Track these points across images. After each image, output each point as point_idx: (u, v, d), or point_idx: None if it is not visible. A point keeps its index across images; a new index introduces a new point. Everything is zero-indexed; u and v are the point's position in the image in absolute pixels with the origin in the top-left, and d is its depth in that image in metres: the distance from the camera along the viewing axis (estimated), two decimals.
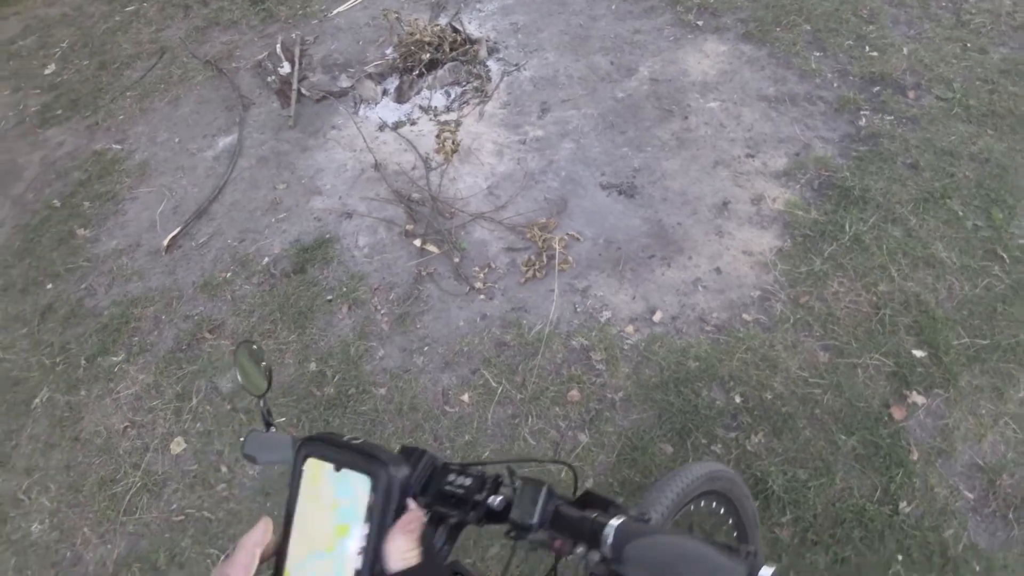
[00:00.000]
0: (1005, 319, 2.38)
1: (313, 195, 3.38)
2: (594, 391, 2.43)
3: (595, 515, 0.73)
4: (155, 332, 2.95)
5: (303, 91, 3.96)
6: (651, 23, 4.06)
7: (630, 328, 2.61)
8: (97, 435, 2.68)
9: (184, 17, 4.86)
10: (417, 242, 3.06)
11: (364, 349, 2.72)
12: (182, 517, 2.41)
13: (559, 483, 2.14)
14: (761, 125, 3.29)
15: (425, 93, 3.83)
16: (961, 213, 2.72)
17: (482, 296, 2.82)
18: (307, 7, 4.68)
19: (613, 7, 4.26)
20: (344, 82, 4.02)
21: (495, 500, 0.79)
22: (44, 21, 5.27)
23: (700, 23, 3.96)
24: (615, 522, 0.71)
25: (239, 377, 1.17)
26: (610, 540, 0.70)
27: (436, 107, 3.76)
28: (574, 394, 2.44)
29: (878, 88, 3.32)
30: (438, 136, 3.44)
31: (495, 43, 4.14)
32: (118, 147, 3.92)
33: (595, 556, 0.71)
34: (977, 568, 1.83)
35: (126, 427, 2.68)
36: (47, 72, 4.72)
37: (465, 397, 2.50)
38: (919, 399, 2.21)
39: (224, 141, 3.79)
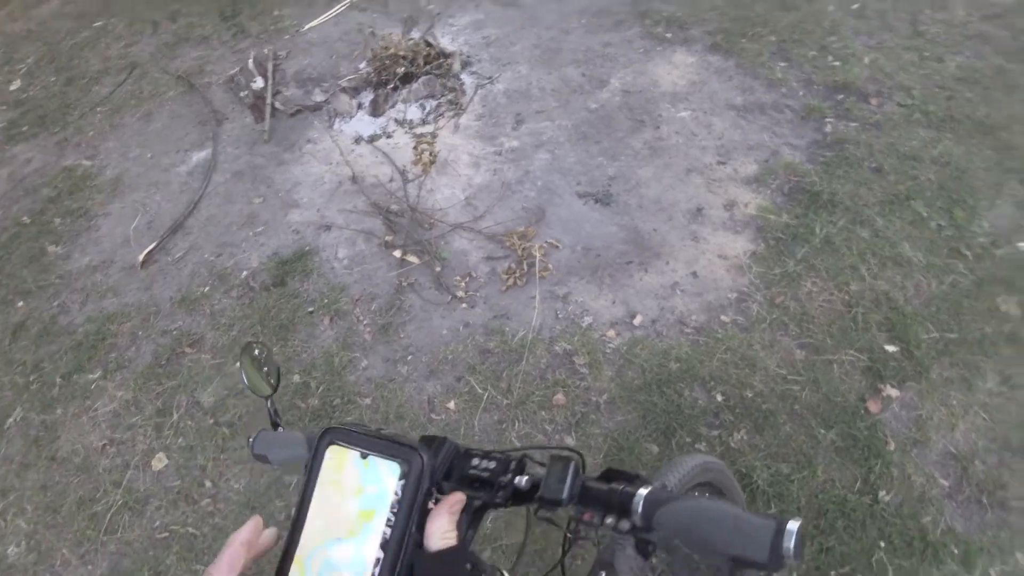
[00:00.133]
0: (971, 314, 2.47)
1: (291, 208, 3.38)
2: (579, 394, 2.47)
3: (622, 487, 0.76)
4: (132, 348, 2.92)
5: (277, 105, 3.97)
6: (621, 36, 4.15)
7: (611, 332, 2.65)
8: (75, 454, 2.63)
9: (153, 33, 4.84)
10: (397, 253, 3.08)
11: (348, 360, 2.72)
12: (166, 534, 2.37)
13: None
14: (731, 133, 3.38)
15: (400, 106, 3.86)
16: (925, 214, 2.82)
17: (464, 305, 2.84)
18: (279, 23, 4.69)
19: (583, 21, 4.35)
20: (318, 96, 4.04)
21: (522, 480, 0.81)
22: (8, 37, 5.21)
23: (668, 35, 4.07)
24: (643, 492, 0.74)
25: (244, 378, 1.17)
26: (640, 509, 0.73)
27: (411, 120, 3.79)
28: (559, 398, 2.47)
29: (842, 96, 3.44)
30: (415, 148, 3.47)
31: (468, 57, 4.19)
32: (89, 163, 3.87)
33: (625, 525, 0.74)
34: (955, 551, 1.90)
35: (105, 445, 2.64)
36: (12, 88, 4.66)
37: (451, 404, 2.52)
38: (893, 392, 2.29)
39: (198, 156, 3.77)
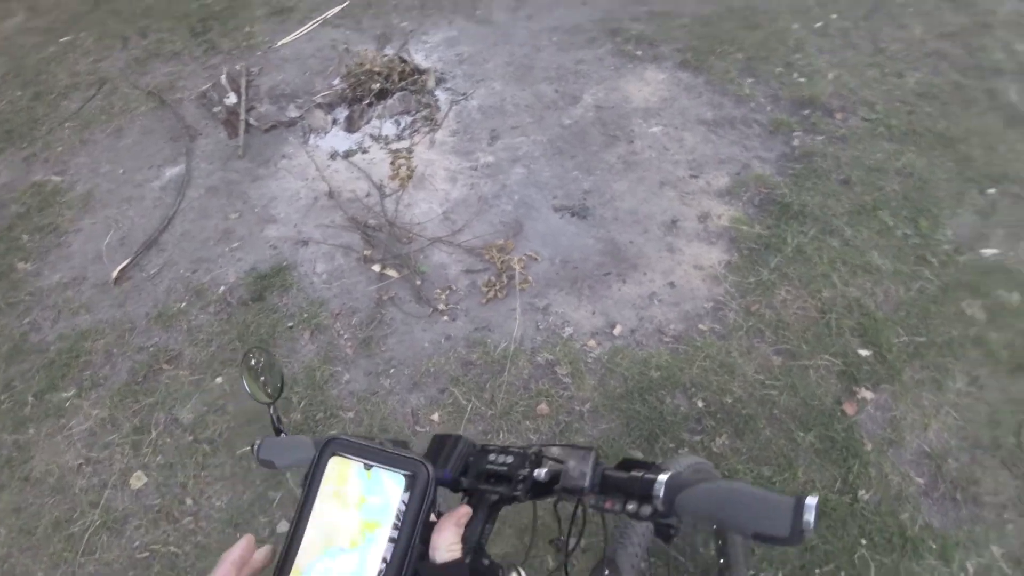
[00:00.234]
0: (938, 318, 2.56)
1: (267, 223, 3.37)
2: (562, 403, 2.49)
3: (643, 473, 0.79)
4: (107, 365, 2.87)
5: (251, 121, 3.95)
6: (592, 53, 4.23)
7: (592, 342, 2.69)
8: (49, 474, 2.57)
9: (123, 48, 4.80)
10: (376, 267, 3.08)
11: (329, 374, 2.71)
12: (146, 554, 2.33)
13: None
14: (702, 147, 3.46)
15: (375, 122, 3.88)
16: (891, 223, 2.92)
17: (445, 317, 2.85)
18: (250, 39, 4.68)
19: (555, 39, 4.42)
20: (292, 112, 4.03)
21: (541, 473, 0.83)
22: None
23: (639, 53, 4.16)
24: (663, 477, 0.77)
25: (245, 385, 1.17)
26: (661, 493, 0.76)
27: (387, 136, 3.81)
28: (543, 407, 2.49)
29: (808, 111, 3.55)
30: (393, 163, 3.49)
31: (442, 73, 4.23)
32: (58, 179, 3.81)
33: (647, 510, 0.76)
34: (933, 546, 1.96)
35: (81, 464, 2.58)
36: None
37: (435, 416, 2.52)
38: (868, 394, 2.35)
39: (171, 172, 3.74)
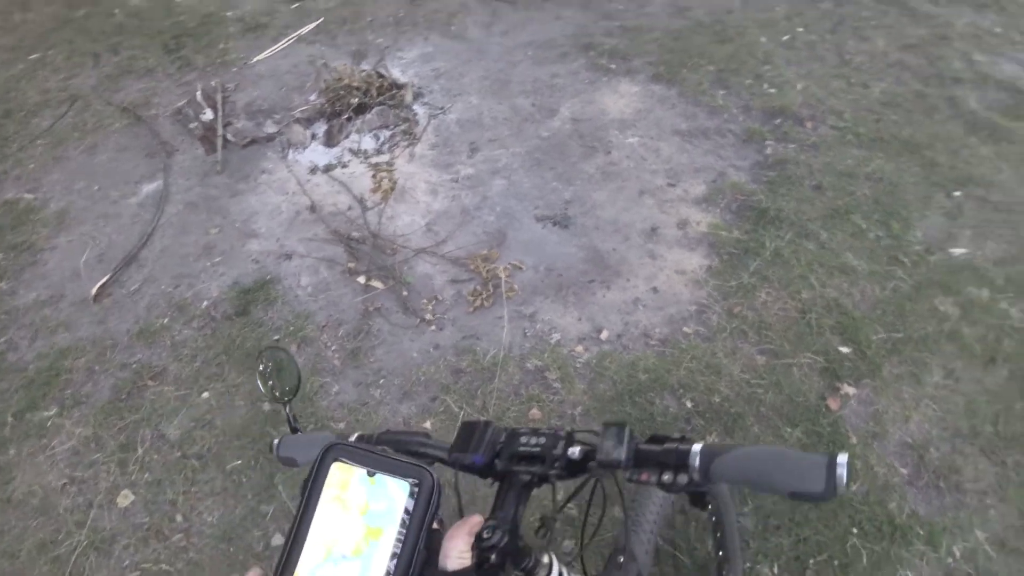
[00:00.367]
0: (913, 315, 2.65)
1: (249, 238, 3.35)
2: (553, 408, 2.52)
3: (676, 445, 0.81)
4: (89, 383, 2.82)
5: (229, 137, 3.94)
6: (567, 67, 4.31)
7: (580, 348, 2.72)
8: (32, 495, 2.51)
9: (94, 66, 4.75)
10: (361, 279, 3.09)
11: (319, 385, 2.70)
12: (137, 573, 2.28)
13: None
14: (678, 157, 3.54)
15: (354, 137, 3.90)
16: (864, 226, 3.03)
17: (433, 327, 2.86)
18: (225, 56, 4.67)
19: (529, 53, 4.50)
20: (270, 128, 4.03)
21: (574, 451, 0.86)
22: None
23: (613, 66, 4.25)
24: (697, 447, 0.80)
25: (260, 385, 1.18)
26: (697, 463, 0.78)
27: (366, 150, 3.82)
28: (535, 412, 2.51)
29: (779, 120, 3.66)
30: (374, 176, 3.50)
31: (419, 88, 4.27)
32: (31, 196, 3.75)
33: (683, 479, 0.79)
34: (921, 532, 2.02)
35: (65, 484, 2.52)
36: None
37: (428, 424, 2.53)
38: (850, 390, 2.43)
39: (148, 188, 3.70)
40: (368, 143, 3.87)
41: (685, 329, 2.74)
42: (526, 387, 2.60)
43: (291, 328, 2.90)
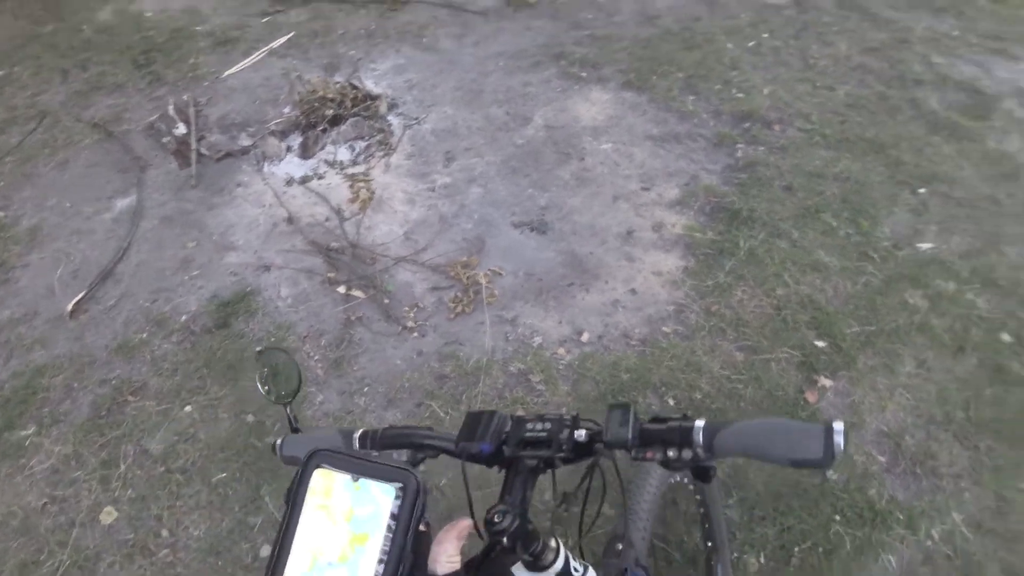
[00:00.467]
0: (884, 308, 2.73)
1: (226, 251, 3.34)
2: (538, 409, 2.54)
3: (679, 423, 0.85)
4: (68, 400, 2.78)
5: (202, 151, 3.92)
6: (539, 76, 4.37)
7: (561, 350, 2.75)
8: (11, 516, 2.46)
9: (63, 82, 4.70)
10: (341, 289, 3.09)
11: (302, 396, 2.69)
12: None
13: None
14: (651, 162, 3.60)
15: (330, 148, 3.90)
16: (834, 224, 3.11)
17: (415, 334, 2.87)
18: (196, 70, 4.66)
19: (501, 63, 4.55)
20: (244, 141, 4.02)
21: (580, 433, 0.88)
22: None
23: (584, 75, 4.31)
24: (700, 423, 0.83)
25: (260, 386, 1.18)
26: (700, 438, 0.82)
27: (342, 161, 3.83)
28: (520, 414, 2.53)
29: (748, 124, 3.75)
30: (352, 186, 3.51)
31: (393, 99, 4.29)
32: (1, 214, 3.69)
33: (687, 455, 0.82)
34: (901, 517, 2.08)
35: (45, 503, 2.48)
36: None
37: None
38: (827, 382, 2.49)
39: (122, 203, 3.67)
40: (344, 154, 3.88)
41: (664, 329, 2.78)
42: (510, 390, 2.62)
43: (272, 339, 2.89)
